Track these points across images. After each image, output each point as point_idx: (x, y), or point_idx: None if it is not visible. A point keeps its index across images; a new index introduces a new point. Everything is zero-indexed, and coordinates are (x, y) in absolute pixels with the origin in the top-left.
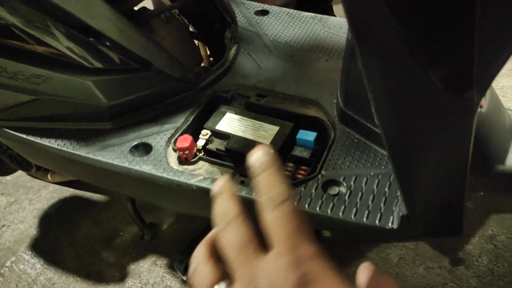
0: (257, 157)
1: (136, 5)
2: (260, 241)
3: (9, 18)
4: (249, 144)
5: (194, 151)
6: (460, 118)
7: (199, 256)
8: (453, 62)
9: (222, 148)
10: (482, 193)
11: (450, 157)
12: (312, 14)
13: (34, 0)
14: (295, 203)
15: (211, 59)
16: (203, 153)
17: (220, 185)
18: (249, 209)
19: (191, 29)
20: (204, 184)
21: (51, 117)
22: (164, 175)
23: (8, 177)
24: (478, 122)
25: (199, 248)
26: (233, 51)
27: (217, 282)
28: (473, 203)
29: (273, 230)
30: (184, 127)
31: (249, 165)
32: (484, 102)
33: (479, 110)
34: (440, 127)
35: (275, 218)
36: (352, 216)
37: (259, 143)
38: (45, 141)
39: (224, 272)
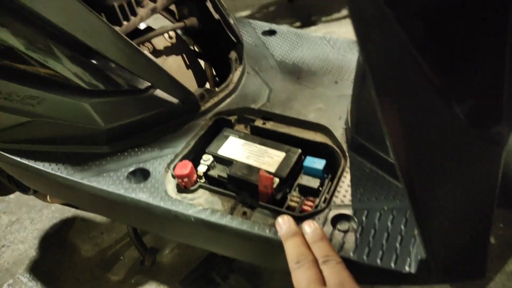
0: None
1: (139, 24)
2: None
3: (5, 39)
4: (253, 171)
5: (194, 178)
6: (486, 154)
7: None
8: (479, 92)
9: (224, 174)
10: (502, 225)
11: (475, 195)
12: (321, 35)
13: (30, 19)
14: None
15: (217, 79)
16: (204, 179)
17: (288, 225)
18: (248, 241)
19: (196, 49)
20: (203, 216)
21: (46, 139)
22: (161, 204)
23: (11, 195)
24: None
25: None
26: (238, 72)
27: None
28: (494, 237)
29: (328, 278)
30: (184, 152)
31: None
32: None
33: None
34: (464, 164)
35: (328, 270)
36: (365, 257)
37: (264, 170)
38: (39, 165)
39: None
